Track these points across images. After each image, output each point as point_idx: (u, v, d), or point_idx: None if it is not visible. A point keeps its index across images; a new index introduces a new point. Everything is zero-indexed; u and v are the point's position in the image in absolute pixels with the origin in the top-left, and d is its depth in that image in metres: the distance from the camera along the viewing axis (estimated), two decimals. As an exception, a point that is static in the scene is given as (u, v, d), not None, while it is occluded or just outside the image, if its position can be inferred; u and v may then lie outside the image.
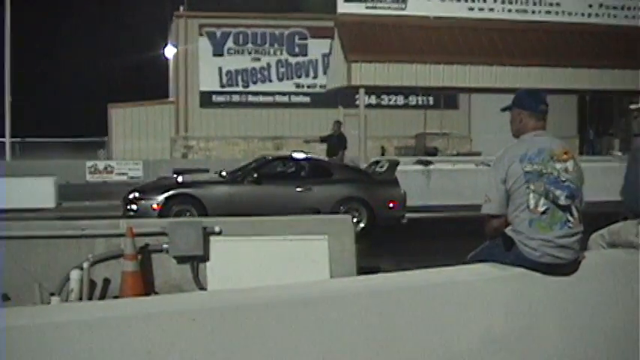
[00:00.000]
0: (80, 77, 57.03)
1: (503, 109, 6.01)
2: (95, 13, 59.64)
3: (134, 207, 16.80)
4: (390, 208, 17.02)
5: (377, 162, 18.99)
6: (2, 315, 4.28)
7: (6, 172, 27.79)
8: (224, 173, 18.17)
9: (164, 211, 16.35)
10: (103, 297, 10.60)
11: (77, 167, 34.67)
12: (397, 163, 18.35)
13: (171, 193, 16.88)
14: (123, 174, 35.96)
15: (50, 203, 22.89)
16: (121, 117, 43.22)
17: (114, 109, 43.46)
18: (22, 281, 10.53)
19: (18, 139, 42.43)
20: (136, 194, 17.14)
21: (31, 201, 22.05)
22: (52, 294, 10.17)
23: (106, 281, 10.72)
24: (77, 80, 57.03)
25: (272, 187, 17.15)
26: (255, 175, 17.17)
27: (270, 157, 19.08)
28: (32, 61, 51.74)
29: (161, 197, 16.71)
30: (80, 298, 10.10)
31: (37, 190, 23.16)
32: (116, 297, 10.30)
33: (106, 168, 36.40)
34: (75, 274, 10.21)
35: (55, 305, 8.94)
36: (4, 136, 39.87)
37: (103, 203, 23.90)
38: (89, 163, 36.54)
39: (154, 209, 16.47)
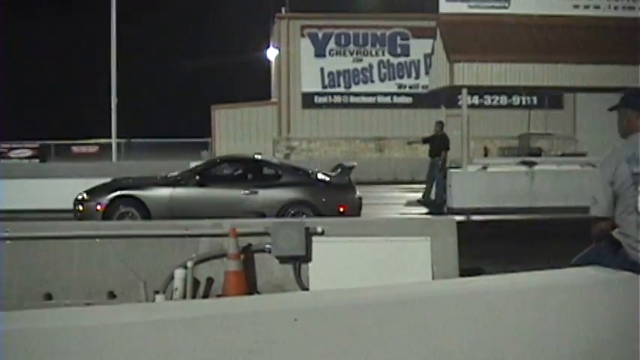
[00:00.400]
0: (184, 78, 57.98)
1: (611, 109, 5.87)
2: (198, 15, 60.52)
3: (80, 208, 16.65)
4: (341, 212, 16.25)
5: (340, 165, 18.31)
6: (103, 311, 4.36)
7: (112, 173, 28.38)
8: (258, 156, 18.38)
9: (108, 213, 16.23)
10: (206, 296, 10.74)
11: (181, 167, 34.85)
12: (351, 167, 17.80)
13: (115, 194, 16.60)
14: (226, 174, 36.35)
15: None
16: (224, 118, 43.76)
17: (217, 110, 44.04)
18: (128, 279, 10.74)
19: (124, 140, 43.29)
20: (84, 195, 16.89)
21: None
22: (157, 292, 10.34)
23: (210, 280, 10.86)
24: (181, 81, 58.01)
25: (216, 190, 16.75)
26: (198, 178, 16.88)
27: (218, 160, 18.82)
28: (137, 63, 52.74)
29: (105, 199, 16.50)
30: (184, 297, 10.25)
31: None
32: (219, 296, 10.42)
33: (209, 168, 36.83)
34: (179, 273, 10.37)
35: (161, 303, 9.10)
36: (110, 137, 40.77)
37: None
38: (193, 164, 37.00)
39: (97, 210, 16.31)
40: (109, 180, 18.37)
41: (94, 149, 45.65)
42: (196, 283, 10.68)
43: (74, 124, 48.50)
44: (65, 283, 11.06)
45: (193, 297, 10.43)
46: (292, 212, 16.24)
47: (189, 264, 10.50)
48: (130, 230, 11.45)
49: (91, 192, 17.05)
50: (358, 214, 16.57)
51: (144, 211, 16.28)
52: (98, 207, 16.31)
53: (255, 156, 18.60)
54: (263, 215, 15.54)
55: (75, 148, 46.29)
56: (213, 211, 14.87)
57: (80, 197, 16.87)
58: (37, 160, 45.46)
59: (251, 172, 17.56)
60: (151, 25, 58.24)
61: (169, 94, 57.64)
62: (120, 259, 10.94)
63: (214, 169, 17.81)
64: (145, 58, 57.24)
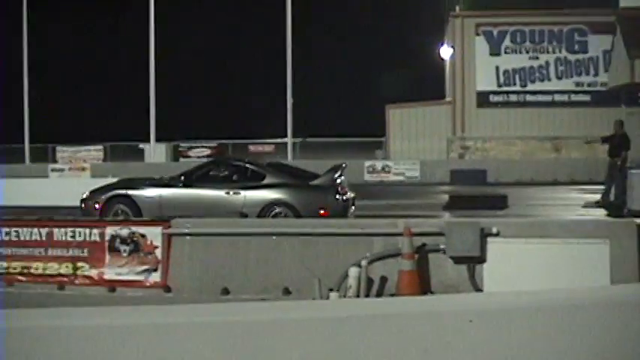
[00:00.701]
0: (359, 77, 58.38)
1: None
2: (372, 14, 60.76)
3: (83, 206, 17.73)
4: (321, 214, 16.33)
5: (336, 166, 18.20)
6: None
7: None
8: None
9: (105, 211, 17.17)
10: (379, 294, 10.80)
11: (356, 167, 35.27)
12: (336, 168, 17.52)
13: (111, 194, 17.65)
14: (400, 174, 36.48)
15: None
16: (399, 117, 43.78)
17: (392, 109, 44.08)
18: (303, 277, 10.91)
19: (299, 139, 43.93)
20: (87, 194, 17.98)
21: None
22: (331, 290, 10.47)
23: (383, 279, 10.91)
24: (356, 80, 58.42)
25: (201, 191, 17.38)
26: (182, 179, 17.67)
27: (209, 161, 20.09)
28: (311, 62, 53.42)
29: (103, 198, 17.51)
30: (357, 295, 10.33)
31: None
32: (393, 295, 10.46)
33: (383, 168, 37.05)
34: (353, 272, 10.47)
35: (335, 301, 9.20)
36: (285, 136, 41.51)
37: (381, 202, 24.33)
38: (367, 163, 37.30)
39: (95, 209, 17.28)
40: (115, 180, 19.83)
41: (270, 148, 46.44)
42: (370, 281, 10.76)
43: (251, 124, 49.53)
44: (242, 278, 11.35)
45: (367, 295, 10.51)
46: (274, 213, 16.71)
47: (364, 262, 10.59)
48: (306, 228, 11.62)
49: (94, 191, 18.20)
50: (343, 216, 16.66)
51: (136, 209, 17.23)
52: (96, 205, 17.46)
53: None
54: (245, 216, 16.22)
55: (252, 147, 47.19)
56: (198, 211, 15.76)
57: (84, 196, 18.03)
58: (216, 159, 46.73)
59: (237, 173, 18.02)
60: (325, 25, 58.94)
61: (345, 94, 58.12)
62: (296, 257, 11.13)
63: (203, 170, 18.45)
64: (319, 58, 57.95)
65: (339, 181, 17.37)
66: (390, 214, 16.14)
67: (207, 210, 16.11)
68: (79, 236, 11.98)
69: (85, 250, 11.92)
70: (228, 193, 17.19)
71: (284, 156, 41.51)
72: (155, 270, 11.61)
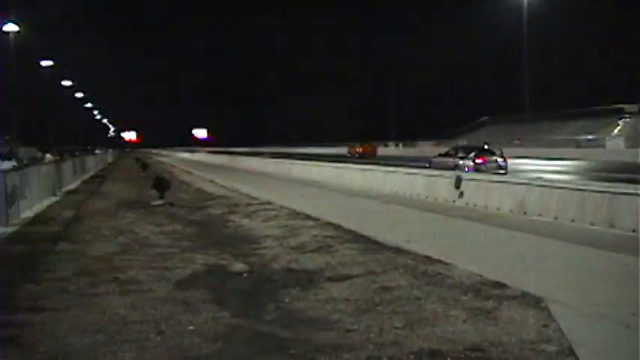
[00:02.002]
0: None
1: None
2: None
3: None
4: (466, 170, 33.02)
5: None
6: None
7: None
8: (486, 146, 40.16)
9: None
10: None
11: None
12: (477, 148, 40.06)
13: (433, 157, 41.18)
14: None
15: None
16: None
17: None
18: None
19: None
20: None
21: None
22: None
23: None
24: None
25: (449, 159, 38.01)
26: (441, 153, 40.77)
27: (454, 146, 46.52)
28: None
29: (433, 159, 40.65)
30: None
31: None
32: None
33: None
34: None
35: None
36: None
37: None
38: None
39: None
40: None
41: None
42: None
43: None
44: None
45: None
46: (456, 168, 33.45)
47: None
48: None
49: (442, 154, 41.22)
50: (478, 171, 33.41)
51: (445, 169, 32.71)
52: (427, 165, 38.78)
53: (485, 146, 40.48)
54: (455, 168, 33.41)
55: None
56: (446, 167, 33.44)
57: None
58: None
59: (455, 151, 40.16)
60: None
61: None
62: None
63: (451, 150, 41.04)
64: None
65: (489, 157, 37.19)
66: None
67: (447, 167, 33.95)
68: None
69: None
70: (453, 160, 36.95)
71: None
72: None
